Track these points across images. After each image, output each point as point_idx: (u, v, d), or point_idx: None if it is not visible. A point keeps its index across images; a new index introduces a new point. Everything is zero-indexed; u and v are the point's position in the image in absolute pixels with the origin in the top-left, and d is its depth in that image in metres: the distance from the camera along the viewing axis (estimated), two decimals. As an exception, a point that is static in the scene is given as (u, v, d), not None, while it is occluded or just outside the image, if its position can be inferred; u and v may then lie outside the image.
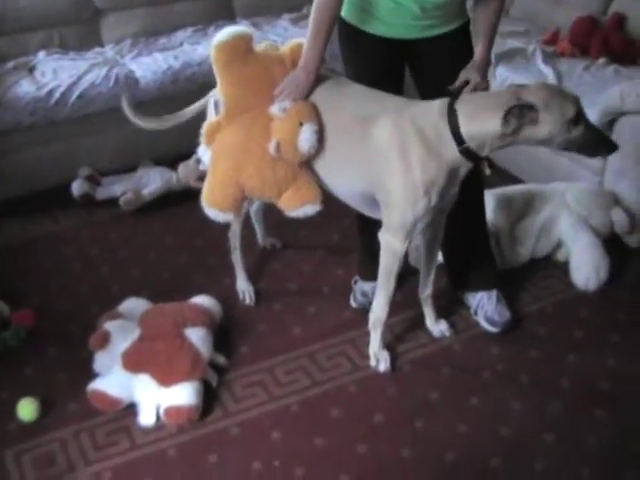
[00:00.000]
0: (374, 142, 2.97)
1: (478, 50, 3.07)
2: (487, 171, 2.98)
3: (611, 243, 3.87)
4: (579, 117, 2.75)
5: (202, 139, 3.23)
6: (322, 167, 3.15)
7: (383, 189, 3.00)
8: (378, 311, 3.28)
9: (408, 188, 2.92)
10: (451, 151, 2.86)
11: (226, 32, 3.10)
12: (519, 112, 2.71)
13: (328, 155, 3.11)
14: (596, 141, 2.83)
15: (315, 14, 3.00)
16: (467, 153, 2.85)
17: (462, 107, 2.84)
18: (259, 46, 3.22)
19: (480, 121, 2.80)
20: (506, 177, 4.38)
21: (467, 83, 3.00)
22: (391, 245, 3.08)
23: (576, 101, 2.77)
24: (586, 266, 3.72)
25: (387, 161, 2.94)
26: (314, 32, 3.01)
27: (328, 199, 3.20)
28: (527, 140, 2.81)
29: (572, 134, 2.76)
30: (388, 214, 3.04)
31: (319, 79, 3.11)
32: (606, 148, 2.88)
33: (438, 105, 2.90)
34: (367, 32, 3.11)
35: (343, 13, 3.11)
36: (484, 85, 3.01)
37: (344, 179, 3.15)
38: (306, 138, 3.00)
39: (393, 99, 3.05)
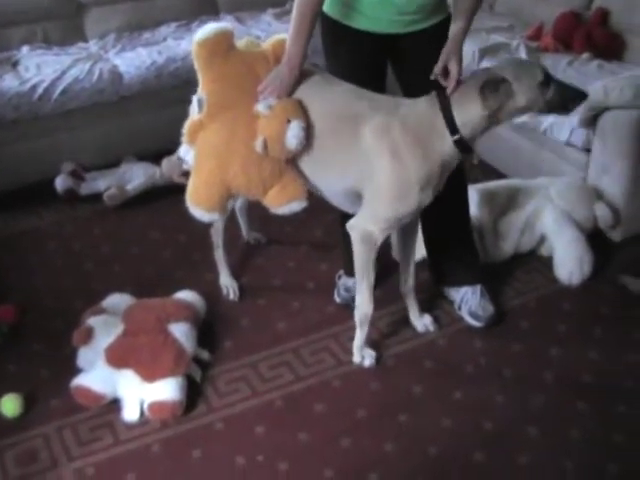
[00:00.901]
0: (363, 142, 2.97)
1: (456, 27, 3.03)
2: (475, 160, 3.03)
3: (594, 238, 3.89)
4: (547, 78, 2.87)
5: (184, 138, 3.21)
6: (307, 164, 3.15)
7: (372, 186, 3.00)
8: (364, 306, 3.26)
9: (403, 187, 2.94)
10: (446, 144, 2.91)
11: (207, 29, 3.09)
12: (494, 86, 2.81)
13: (313, 152, 3.10)
14: (568, 94, 2.94)
15: (297, 9, 2.99)
16: (460, 144, 2.90)
17: (452, 97, 2.91)
18: (239, 42, 3.21)
19: (466, 107, 2.88)
20: (490, 172, 4.39)
21: (445, 71, 2.99)
22: (370, 234, 3.06)
23: (540, 65, 2.94)
24: (569, 261, 3.73)
25: (379, 162, 2.94)
26: (296, 27, 3.01)
27: (312, 195, 3.20)
28: (510, 114, 2.92)
29: (547, 95, 2.87)
30: (375, 205, 3.03)
31: (303, 75, 3.10)
32: (579, 98, 2.98)
33: (427, 100, 2.95)
34: (350, 27, 3.11)
35: (325, 8, 3.10)
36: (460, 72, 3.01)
37: (329, 176, 3.14)
38: (294, 135, 2.99)
39: (380, 98, 3.06)
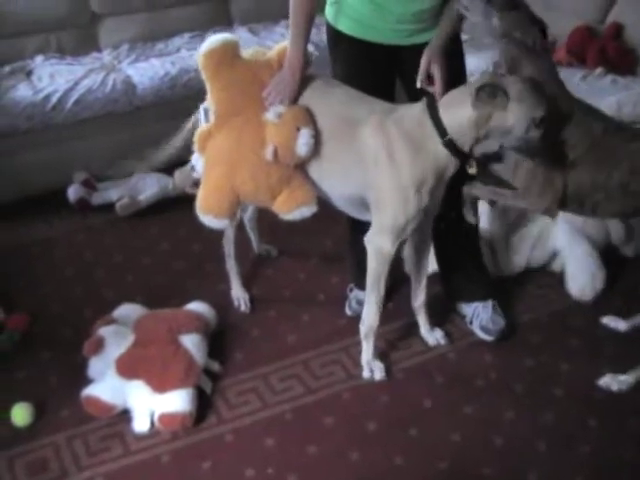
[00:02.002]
0: (362, 146, 2.99)
1: (439, 32, 3.01)
2: (472, 170, 2.98)
3: (607, 253, 3.87)
4: (543, 122, 2.77)
5: (195, 146, 3.25)
6: (314, 169, 3.16)
7: (373, 191, 3.02)
8: (370, 319, 3.26)
9: (399, 190, 2.94)
10: (436, 146, 2.89)
11: (213, 39, 3.12)
12: (491, 91, 2.74)
13: (319, 158, 3.12)
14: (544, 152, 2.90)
15: (290, 12, 3.03)
16: (451, 146, 2.87)
17: (442, 100, 2.90)
18: (247, 51, 3.24)
19: (456, 107, 2.84)
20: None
21: (428, 77, 3.01)
22: (381, 247, 3.08)
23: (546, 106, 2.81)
24: (581, 276, 3.72)
25: (376, 165, 2.96)
26: (293, 31, 3.05)
27: (322, 205, 3.21)
28: (495, 130, 2.81)
29: (530, 135, 2.79)
30: (379, 216, 3.04)
31: (307, 80, 3.13)
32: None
33: (420, 104, 2.95)
34: (353, 37, 3.13)
35: (330, 17, 3.17)
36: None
37: (333, 181, 3.15)
38: (304, 143, 3.02)
39: (379, 102, 3.07)
